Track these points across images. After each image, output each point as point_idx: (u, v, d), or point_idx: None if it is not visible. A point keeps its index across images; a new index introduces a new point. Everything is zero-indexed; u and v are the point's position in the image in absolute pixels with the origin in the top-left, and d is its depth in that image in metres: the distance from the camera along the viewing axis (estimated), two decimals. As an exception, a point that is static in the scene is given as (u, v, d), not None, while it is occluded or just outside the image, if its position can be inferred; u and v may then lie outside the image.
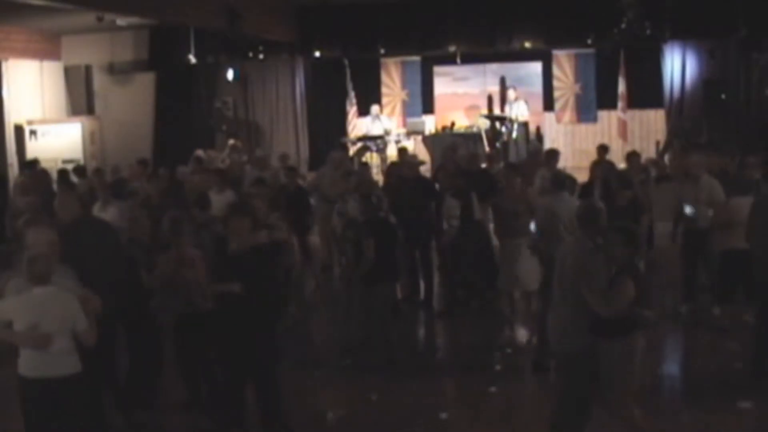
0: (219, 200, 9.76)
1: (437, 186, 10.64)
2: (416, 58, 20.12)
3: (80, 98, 19.41)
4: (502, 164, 12.25)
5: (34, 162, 14.89)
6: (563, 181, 8.27)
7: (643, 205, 8.89)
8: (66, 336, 5.18)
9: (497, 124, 17.54)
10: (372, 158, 17.88)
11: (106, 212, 9.67)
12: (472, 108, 19.41)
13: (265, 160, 13.77)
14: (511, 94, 18.16)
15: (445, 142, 17.41)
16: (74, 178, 13.09)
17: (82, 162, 17.14)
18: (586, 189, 10.15)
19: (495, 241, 9.75)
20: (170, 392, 7.30)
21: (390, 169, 12.35)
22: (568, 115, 19.87)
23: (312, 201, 11.73)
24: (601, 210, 5.89)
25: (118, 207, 9.70)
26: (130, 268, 6.99)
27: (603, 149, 12.73)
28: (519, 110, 17.93)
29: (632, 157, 11.19)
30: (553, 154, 11.37)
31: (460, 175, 10.21)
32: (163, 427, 7.07)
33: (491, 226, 9.83)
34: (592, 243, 5.69)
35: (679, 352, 8.66)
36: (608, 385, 5.55)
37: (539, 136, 18.80)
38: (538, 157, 12.17)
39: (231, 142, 16.41)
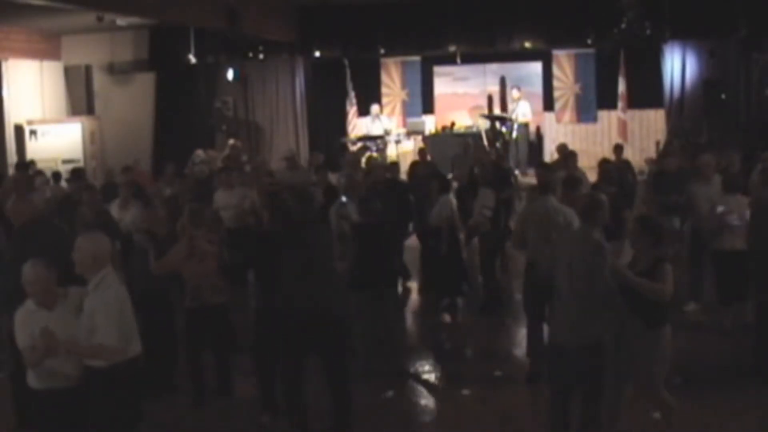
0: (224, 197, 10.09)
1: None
2: (416, 58, 20.13)
3: (80, 98, 19.40)
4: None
5: (31, 163, 14.95)
6: (550, 185, 8.03)
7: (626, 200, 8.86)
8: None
9: (497, 124, 17.56)
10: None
11: (127, 211, 9.68)
12: (475, 108, 19.38)
13: (295, 159, 13.62)
14: (514, 93, 18.18)
15: (444, 142, 17.46)
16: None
17: (81, 162, 17.19)
18: (596, 188, 10.20)
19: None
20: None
21: (413, 168, 12.63)
22: (568, 115, 19.87)
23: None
24: (604, 202, 5.93)
25: (138, 207, 9.73)
26: (141, 261, 7.15)
27: (619, 148, 13.08)
28: (522, 110, 17.94)
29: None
30: (572, 156, 11.37)
31: (494, 168, 10.45)
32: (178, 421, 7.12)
33: None
34: (599, 234, 5.74)
35: (679, 351, 8.60)
36: (646, 370, 5.73)
37: (539, 136, 18.82)
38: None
39: (231, 142, 16.41)
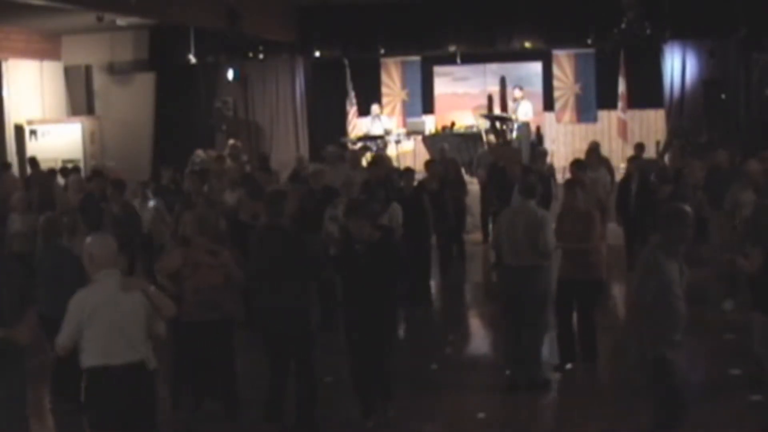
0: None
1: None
2: (416, 58, 20.14)
3: (80, 98, 19.42)
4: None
5: (32, 160, 15.04)
6: (532, 188, 7.62)
7: (684, 199, 8.76)
8: None
9: (497, 124, 17.56)
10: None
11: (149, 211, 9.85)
12: (478, 108, 19.34)
13: (333, 156, 13.38)
14: (516, 93, 18.19)
15: (444, 142, 17.43)
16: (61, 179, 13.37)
17: (81, 162, 17.22)
18: (624, 184, 11.09)
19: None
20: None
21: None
22: (568, 115, 19.88)
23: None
24: (688, 214, 5.43)
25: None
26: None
27: (640, 147, 13.41)
28: (523, 109, 17.93)
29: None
30: (593, 152, 12.02)
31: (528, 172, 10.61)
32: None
33: None
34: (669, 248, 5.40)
35: (706, 349, 8.44)
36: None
37: (539, 136, 18.81)
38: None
39: (231, 142, 16.41)
